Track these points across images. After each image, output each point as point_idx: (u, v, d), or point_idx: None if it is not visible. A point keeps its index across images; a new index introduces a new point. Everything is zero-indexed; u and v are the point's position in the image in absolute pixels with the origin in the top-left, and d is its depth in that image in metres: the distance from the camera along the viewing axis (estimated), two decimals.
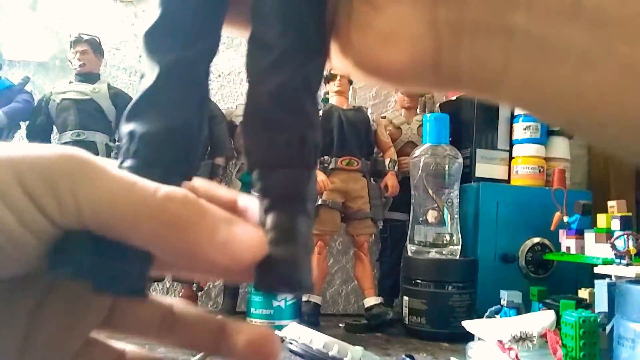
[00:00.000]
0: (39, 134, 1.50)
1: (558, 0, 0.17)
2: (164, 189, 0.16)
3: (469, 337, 1.04)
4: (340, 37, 0.21)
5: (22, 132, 1.53)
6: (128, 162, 0.19)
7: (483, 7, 0.18)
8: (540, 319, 0.95)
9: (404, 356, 1.03)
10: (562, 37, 0.17)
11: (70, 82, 1.49)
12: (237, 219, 0.18)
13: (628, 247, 1.03)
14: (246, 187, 1.48)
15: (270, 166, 0.20)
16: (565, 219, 1.28)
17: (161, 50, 0.20)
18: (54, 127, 1.49)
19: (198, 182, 0.22)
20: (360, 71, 0.21)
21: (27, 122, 1.51)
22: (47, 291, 0.19)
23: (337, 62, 0.22)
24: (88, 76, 1.49)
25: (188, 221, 0.16)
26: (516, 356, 0.88)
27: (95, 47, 1.50)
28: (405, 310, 1.32)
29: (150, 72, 0.20)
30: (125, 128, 0.20)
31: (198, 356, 0.88)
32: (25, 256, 0.16)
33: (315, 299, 1.40)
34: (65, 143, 1.40)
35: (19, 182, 0.15)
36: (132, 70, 1.70)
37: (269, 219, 0.19)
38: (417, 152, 1.44)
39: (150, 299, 0.22)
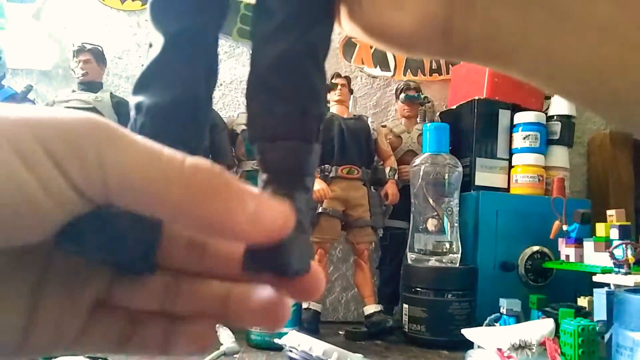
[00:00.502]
0: None
1: None
2: (191, 158, 0.16)
3: (469, 345, 1.04)
4: (349, 2, 0.20)
5: None
6: None
7: None
8: (540, 327, 0.95)
9: None
10: (587, 7, 0.16)
11: (73, 91, 1.50)
12: (262, 193, 0.17)
13: (627, 256, 1.04)
14: None
15: (269, 138, 0.19)
16: (565, 227, 1.29)
17: (166, 19, 0.19)
18: None
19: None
20: (368, 36, 0.21)
21: None
22: (47, 264, 0.18)
23: (345, 26, 0.21)
24: (91, 85, 1.50)
25: (219, 190, 0.15)
26: None
27: (98, 56, 1.51)
28: (405, 318, 1.33)
29: (156, 42, 0.19)
30: (132, 100, 0.19)
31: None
32: (42, 226, 0.15)
33: (315, 306, 1.40)
34: None
35: (41, 144, 0.14)
36: (135, 79, 1.71)
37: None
38: (417, 160, 1.45)
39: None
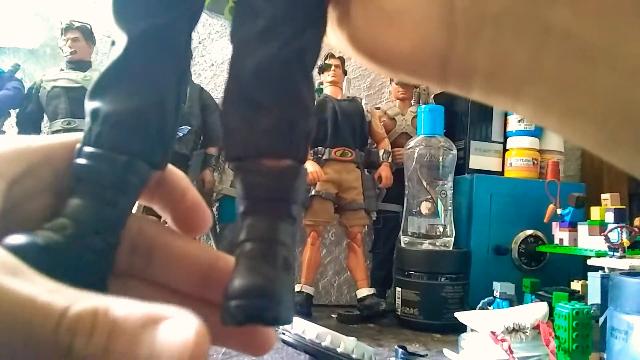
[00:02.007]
0: (29, 122, 1.48)
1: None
2: (67, 318, 0.13)
3: (462, 328, 1.04)
4: (339, 7, 0.18)
5: (12, 120, 1.52)
6: (88, 149, 0.16)
7: None
8: (533, 311, 0.94)
9: (396, 347, 1.03)
10: (615, 42, 0.14)
11: (61, 70, 1.47)
12: (161, 312, 0.14)
13: (622, 239, 1.03)
14: None
15: (251, 157, 0.16)
16: (559, 211, 1.28)
17: (131, 16, 0.16)
18: (45, 115, 1.48)
19: (171, 170, 0.19)
20: (355, 51, 0.18)
21: (17, 110, 1.49)
22: None
23: (331, 36, 0.19)
24: (79, 64, 1.47)
25: (100, 352, 0.13)
26: (509, 347, 0.87)
27: (87, 34, 1.48)
28: (398, 301, 1.32)
29: (119, 41, 0.17)
30: (89, 106, 0.16)
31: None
32: None
33: (308, 289, 1.40)
34: (56, 131, 1.39)
35: None
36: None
37: (245, 225, 0.16)
38: (412, 143, 1.44)
39: None
